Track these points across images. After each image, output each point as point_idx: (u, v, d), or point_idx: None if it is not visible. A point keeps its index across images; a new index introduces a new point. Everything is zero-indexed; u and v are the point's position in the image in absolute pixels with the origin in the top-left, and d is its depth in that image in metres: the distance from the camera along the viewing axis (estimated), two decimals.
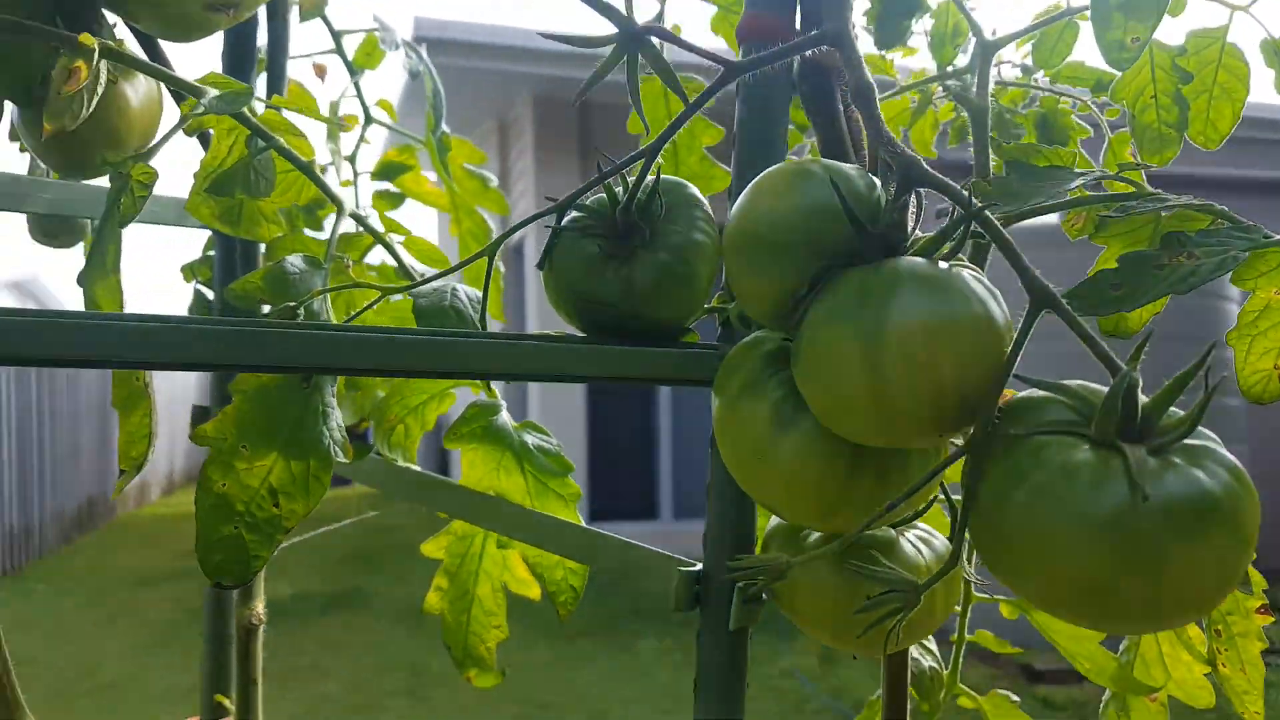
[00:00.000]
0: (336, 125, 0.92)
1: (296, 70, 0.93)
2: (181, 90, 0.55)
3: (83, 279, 0.52)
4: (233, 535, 0.53)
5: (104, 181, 0.70)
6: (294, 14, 0.84)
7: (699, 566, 0.51)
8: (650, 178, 0.49)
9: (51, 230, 0.70)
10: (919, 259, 0.37)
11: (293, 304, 0.53)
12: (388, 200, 1.01)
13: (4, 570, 6.04)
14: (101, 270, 0.50)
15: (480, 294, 0.58)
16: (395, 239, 0.85)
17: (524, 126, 6.46)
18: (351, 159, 0.95)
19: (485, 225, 1.02)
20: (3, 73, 0.55)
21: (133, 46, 0.68)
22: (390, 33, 0.85)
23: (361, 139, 0.96)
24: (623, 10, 0.44)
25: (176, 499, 8.96)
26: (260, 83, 0.85)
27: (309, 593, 5.30)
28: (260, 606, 0.78)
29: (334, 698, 3.91)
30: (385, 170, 1.00)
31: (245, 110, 0.56)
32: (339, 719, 3.69)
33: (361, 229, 0.69)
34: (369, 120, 0.95)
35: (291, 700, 3.82)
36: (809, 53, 0.47)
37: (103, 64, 0.54)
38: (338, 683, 4.05)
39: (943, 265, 0.37)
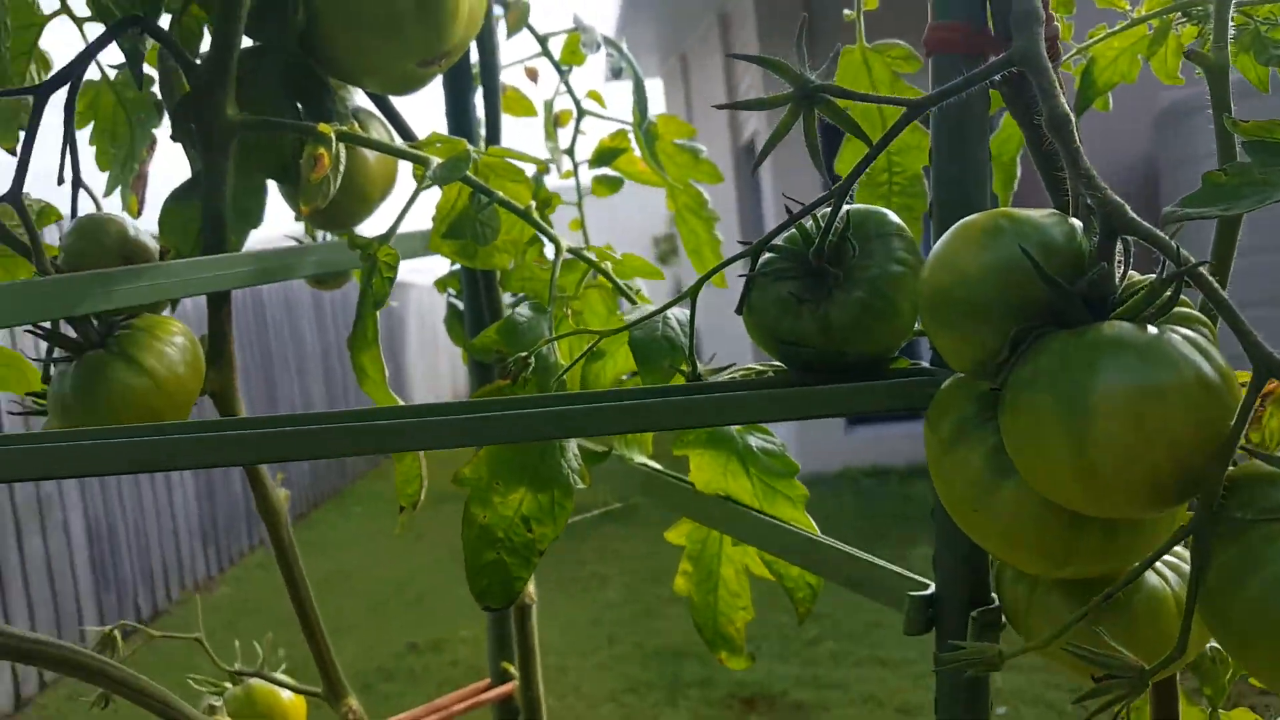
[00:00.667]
0: (552, 126, 0.97)
1: (509, 75, 0.98)
2: (408, 160, 0.61)
3: (350, 346, 0.59)
4: (495, 560, 0.60)
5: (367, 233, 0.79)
6: (500, 29, 0.88)
7: (931, 589, 0.52)
8: (844, 211, 0.49)
9: (321, 278, 0.80)
10: (1125, 323, 0.35)
11: (524, 354, 0.58)
12: (607, 185, 1.05)
13: (333, 491, 6.94)
14: (364, 342, 0.57)
15: (688, 315, 0.61)
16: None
17: (745, 17, 6.28)
18: (570, 151, 1.00)
19: (700, 197, 1.04)
20: (261, 159, 0.63)
21: (363, 100, 0.75)
22: (590, 33, 0.88)
23: (577, 131, 1.00)
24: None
25: None
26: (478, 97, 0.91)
27: (584, 506, 5.69)
28: (531, 588, 0.86)
29: (615, 604, 4.21)
30: (601, 157, 1.04)
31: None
32: (622, 624, 3.98)
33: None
34: (581, 113, 0.98)
35: (577, 606, 4.16)
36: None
37: (341, 146, 0.60)
38: (617, 590, 4.36)
39: (1152, 329, 0.35)
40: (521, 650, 0.87)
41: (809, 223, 0.50)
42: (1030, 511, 0.40)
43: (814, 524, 0.65)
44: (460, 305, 0.92)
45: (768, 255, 0.51)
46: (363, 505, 6.70)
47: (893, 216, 0.50)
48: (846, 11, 0.70)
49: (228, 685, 0.89)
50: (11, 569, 3.55)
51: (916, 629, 0.52)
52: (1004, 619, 0.51)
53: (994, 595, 0.52)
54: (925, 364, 0.52)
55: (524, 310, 0.61)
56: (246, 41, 0.58)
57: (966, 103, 0.46)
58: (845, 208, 0.48)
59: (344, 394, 7.28)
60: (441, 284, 0.93)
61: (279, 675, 0.89)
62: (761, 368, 0.54)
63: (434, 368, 9.41)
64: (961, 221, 0.40)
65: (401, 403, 0.58)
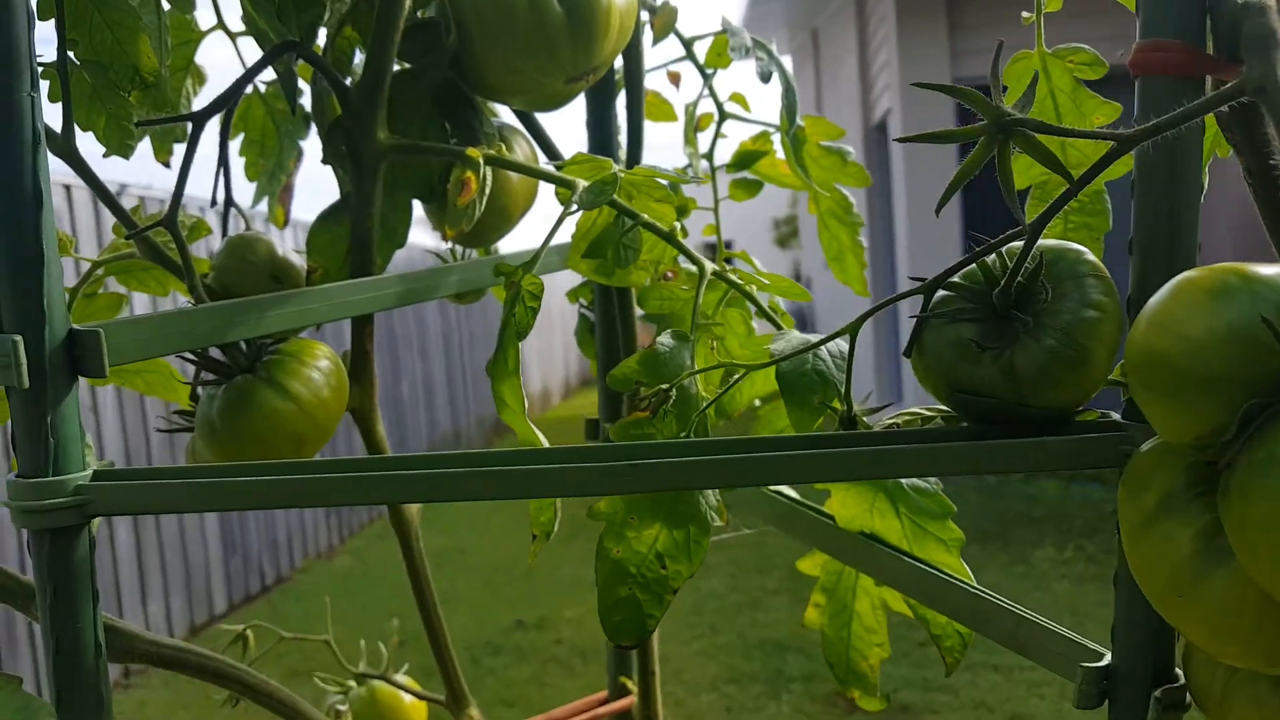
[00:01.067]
0: (693, 130, 0.94)
1: (649, 79, 0.95)
2: (555, 184, 0.59)
3: (489, 372, 0.58)
4: (628, 596, 0.58)
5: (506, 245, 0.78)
6: (646, 35, 0.85)
7: (1106, 659, 0.48)
8: (1036, 248, 0.44)
9: (459, 294, 0.79)
10: None
11: (666, 385, 0.55)
12: (745, 189, 1.02)
13: None
14: (505, 371, 0.56)
15: (845, 346, 0.57)
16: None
17: None
18: (709, 156, 0.97)
19: (845, 201, 1.00)
20: (409, 180, 0.63)
21: (507, 115, 0.74)
22: (739, 36, 0.84)
23: (718, 135, 0.97)
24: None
25: (574, 402, 9.96)
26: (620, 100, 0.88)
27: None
28: None
29: (719, 594, 4.18)
30: (741, 160, 1.00)
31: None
32: (725, 613, 3.96)
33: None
34: (724, 117, 0.95)
35: (681, 595, 4.15)
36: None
37: (487, 169, 0.59)
38: (721, 580, 4.33)
39: None
40: (642, 668, 0.85)
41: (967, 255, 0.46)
42: (1248, 605, 0.36)
43: (969, 571, 0.60)
44: (591, 316, 0.90)
45: (943, 294, 0.47)
46: None
47: (1088, 255, 0.45)
48: (1025, 14, 0.65)
49: (352, 684, 0.90)
50: (148, 538, 3.76)
51: (1089, 703, 0.48)
52: (1190, 700, 0.47)
53: (1179, 672, 0.47)
54: (1115, 416, 0.47)
55: (666, 339, 0.59)
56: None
57: (1182, 134, 0.41)
58: (1037, 244, 0.44)
59: (463, 376, 7.46)
60: (573, 295, 0.92)
61: (401, 678, 0.90)
62: (929, 412, 0.51)
63: (549, 348, 9.56)
64: (1183, 277, 0.36)
65: (541, 436, 0.57)
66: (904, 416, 0.51)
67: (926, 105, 5.58)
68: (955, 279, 0.47)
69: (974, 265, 0.47)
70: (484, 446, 8.05)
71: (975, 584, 0.57)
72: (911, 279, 0.47)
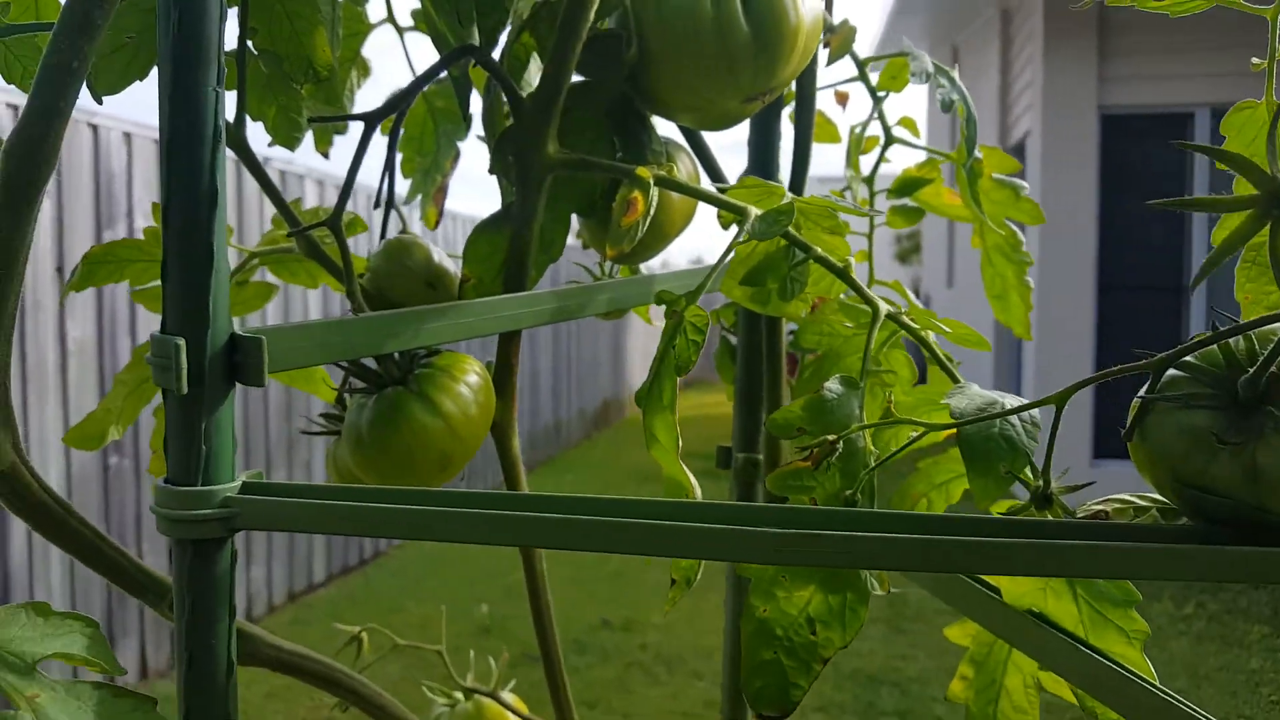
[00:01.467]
0: (856, 154, 0.89)
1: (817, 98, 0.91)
2: (725, 209, 0.55)
3: (641, 403, 0.55)
4: (772, 660, 0.54)
5: (653, 264, 0.75)
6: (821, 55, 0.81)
7: None
8: None
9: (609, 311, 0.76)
10: None
11: (831, 438, 0.51)
12: (904, 216, 0.97)
13: (547, 457, 7.20)
14: (659, 406, 0.52)
15: (1040, 415, 0.51)
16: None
17: (1031, 11, 5.87)
18: (869, 180, 0.93)
19: (1015, 238, 0.94)
20: (571, 194, 0.60)
21: (670, 130, 0.70)
22: (920, 60, 0.79)
23: (881, 159, 0.92)
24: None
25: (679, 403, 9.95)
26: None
27: None
28: None
29: None
30: (904, 187, 0.95)
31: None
32: None
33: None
34: (890, 141, 0.90)
35: None
36: None
37: (654, 190, 0.55)
38: None
39: None
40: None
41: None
42: None
43: (1152, 669, 0.54)
44: (734, 340, 0.86)
45: (1173, 374, 0.41)
46: (574, 473, 6.89)
47: None
48: (1254, 60, 0.58)
49: (458, 695, 0.89)
50: None
51: None
52: None
53: None
54: None
55: (834, 385, 0.54)
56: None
57: None
58: None
59: (568, 367, 7.52)
60: (715, 315, 0.88)
61: (508, 696, 0.88)
62: (1142, 502, 0.45)
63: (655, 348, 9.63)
64: None
65: (694, 481, 0.53)
66: (1113, 504, 0.45)
67: (1069, 128, 5.35)
68: (1190, 359, 0.41)
69: (1213, 346, 0.41)
70: (584, 440, 8.10)
71: (1161, 685, 0.51)
72: (1135, 350, 0.42)
